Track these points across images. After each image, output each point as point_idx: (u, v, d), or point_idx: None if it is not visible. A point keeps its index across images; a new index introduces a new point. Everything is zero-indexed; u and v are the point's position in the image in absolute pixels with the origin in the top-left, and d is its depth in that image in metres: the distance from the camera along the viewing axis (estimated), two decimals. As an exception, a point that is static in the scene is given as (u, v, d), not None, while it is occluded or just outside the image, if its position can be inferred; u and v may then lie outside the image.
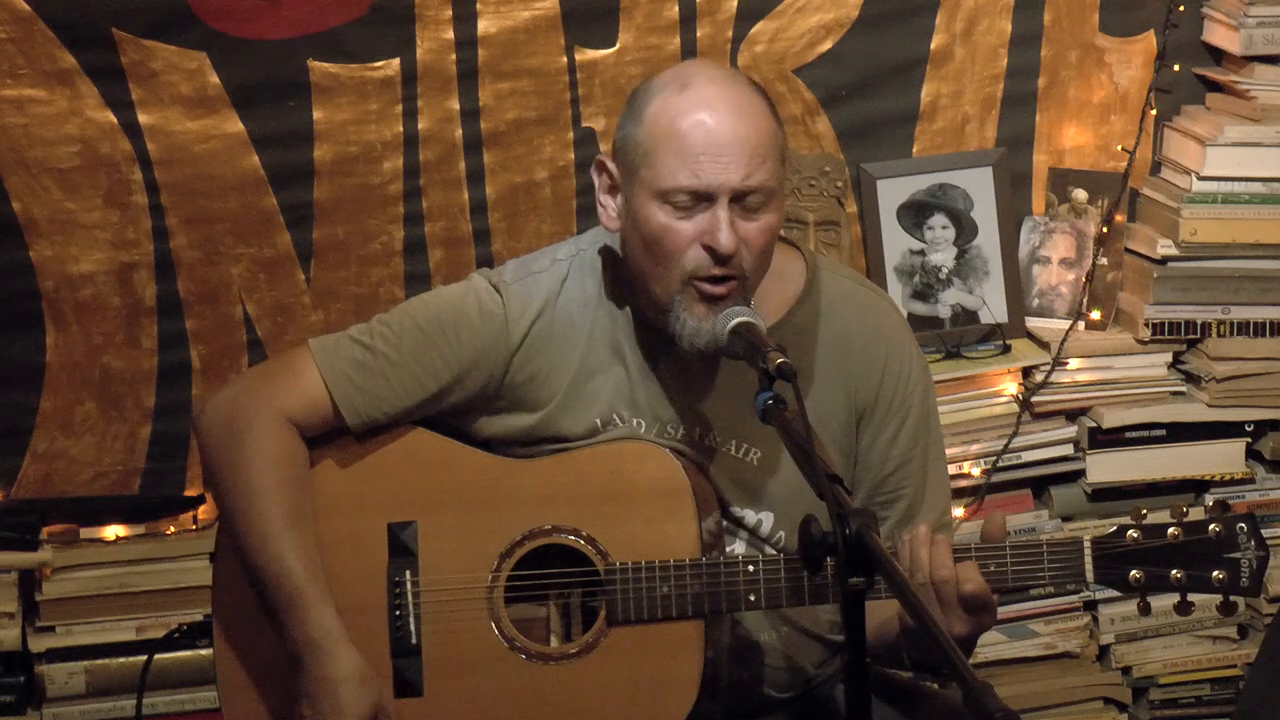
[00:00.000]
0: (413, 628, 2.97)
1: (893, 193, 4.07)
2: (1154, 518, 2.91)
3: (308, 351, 3.03)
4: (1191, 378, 4.17)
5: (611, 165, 2.97)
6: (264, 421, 2.99)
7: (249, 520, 2.96)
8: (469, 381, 3.03)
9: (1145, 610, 2.91)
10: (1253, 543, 2.88)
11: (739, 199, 2.88)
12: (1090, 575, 2.87)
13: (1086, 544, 2.89)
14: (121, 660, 3.80)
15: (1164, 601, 2.94)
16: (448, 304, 3.05)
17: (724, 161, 2.87)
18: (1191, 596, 2.90)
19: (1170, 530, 2.88)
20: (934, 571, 2.82)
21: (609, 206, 2.99)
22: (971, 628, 2.84)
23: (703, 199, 2.88)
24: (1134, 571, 2.88)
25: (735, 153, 2.87)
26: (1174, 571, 2.88)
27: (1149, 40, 4.14)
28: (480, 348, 3.03)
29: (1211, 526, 2.88)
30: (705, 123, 2.88)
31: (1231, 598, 2.89)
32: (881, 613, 2.92)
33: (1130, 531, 2.89)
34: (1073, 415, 4.13)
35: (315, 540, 2.97)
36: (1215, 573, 2.87)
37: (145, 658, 3.58)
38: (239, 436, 2.99)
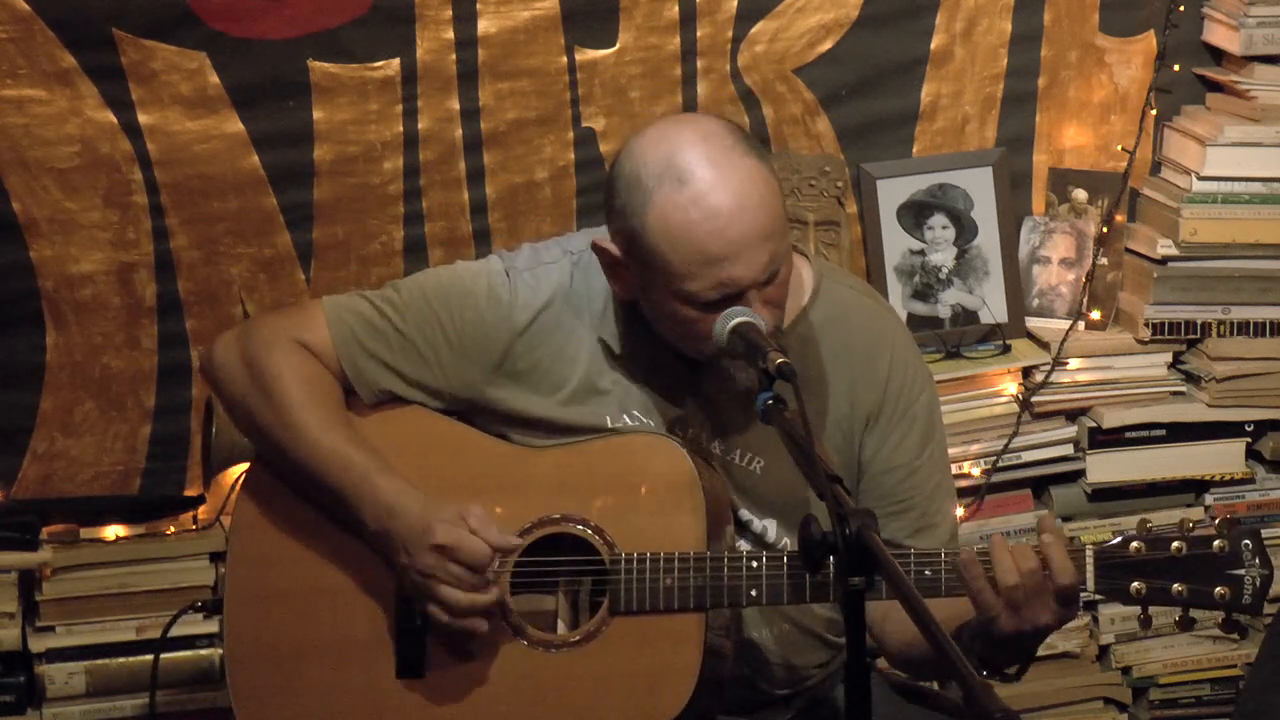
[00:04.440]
0: (418, 610, 2.98)
1: (893, 193, 4.07)
2: (1159, 530, 2.89)
3: (319, 302, 3.08)
4: (1191, 378, 4.17)
5: (613, 248, 2.93)
6: (282, 346, 3.03)
7: (294, 434, 2.99)
8: (467, 359, 3.03)
9: (1146, 623, 2.89)
10: (1257, 560, 2.86)
11: (764, 281, 2.87)
12: (1091, 584, 2.86)
13: (1089, 553, 2.87)
14: (121, 660, 3.80)
15: (1164, 606, 2.92)
16: (459, 280, 3.07)
17: (746, 258, 2.83)
18: (1194, 612, 2.88)
19: (1174, 544, 2.86)
20: (1021, 565, 2.79)
21: (617, 280, 2.97)
22: (1058, 619, 2.83)
23: (731, 297, 2.86)
24: (1135, 583, 2.86)
25: (756, 247, 2.83)
26: (1176, 585, 2.86)
27: (1149, 40, 4.14)
28: (481, 328, 3.03)
29: (1216, 542, 2.85)
30: (719, 228, 2.81)
31: (1234, 615, 2.87)
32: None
33: (1134, 543, 2.87)
34: (1073, 415, 4.13)
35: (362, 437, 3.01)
36: (1218, 589, 2.85)
37: (146, 657, 3.58)
38: (260, 363, 3.02)
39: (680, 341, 2.95)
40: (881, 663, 3.15)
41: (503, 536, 2.94)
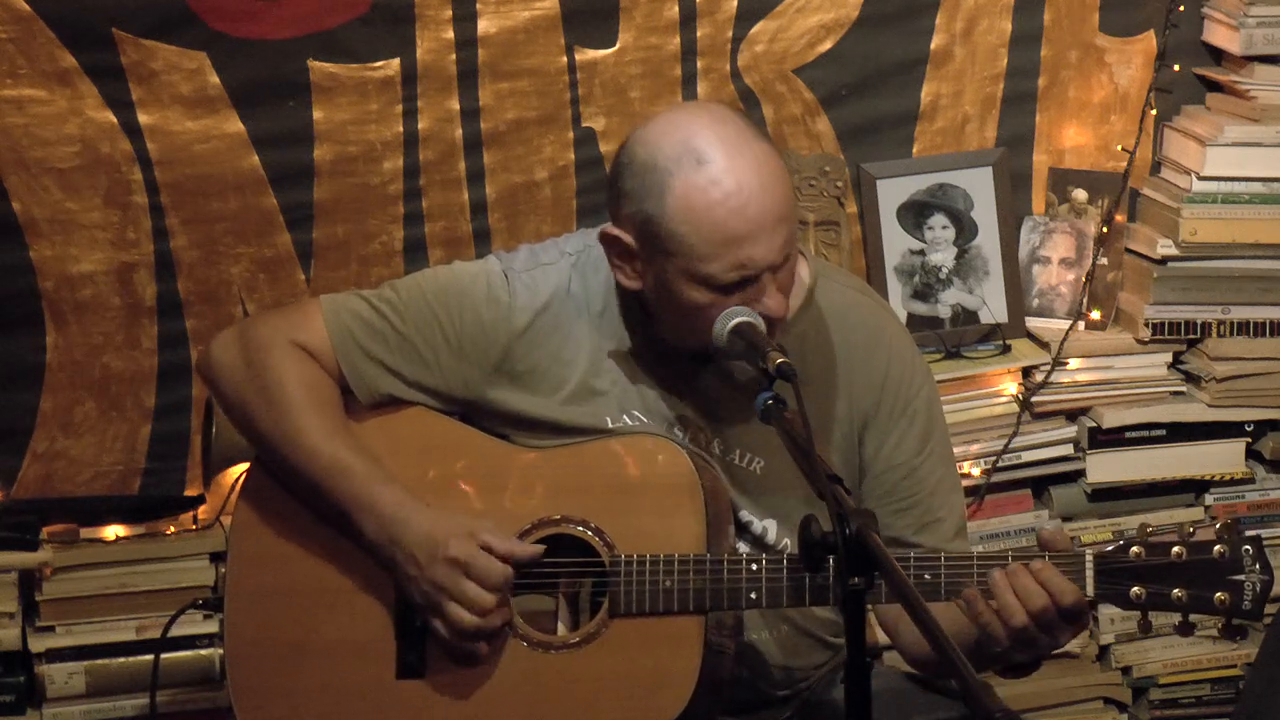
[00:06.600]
0: (422, 621, 2.98)
1: (893, 193, 4.07)
2: (1159, 535, 2.88)
3: (317, 302, 3.07)
4: (1191, 378, 4.17)
5: (626, 237, 2.92)
6: (282, 347, 3.03)
7: (294, 439, 2.98)
8: (465, 360, 3.03)
9: (1146, 628, 2.88)
10: (1258, 565, 2.84)
11: (779, 264, 2.88)
12: (1091, 589, 2.85)
13: (1089, 557, 2.86)
14: (121, 660, 3.81)
15: (1164, 611, 2.91)
16: (457, 281, 3.06)
17: (764, 240, 2.84)
18: (1193, 617, 2.87)
19: (1174, 549, 2.85)
20: (1029, 605, 2.79)
21: (624, 269, 2.96)
22: (1069, 636, 2.85)
23: (748, 280, 2.87)
24: (1135, 588, 2.85)
25: (773, 227, 2.84)
26: (1176, 591, 2.84)
27: (1149, 40, 4.14)
28: (480, 329, 3.03)
29: (1216, 547, 2.84)
30: (739, 206, 2.82)
31: (1234, 621, 2.86)
32: (953, 624, 2.86)
33: (1134, 548, 2.86)
34: (1073, 415, 4.13)
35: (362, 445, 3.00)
36: (1218, 594, 2.84)
37: (146, 657, 3.58)
38: (260, 364, 3.02)
39: (689, 333, 2.94)
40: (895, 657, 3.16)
41: (521, 545, 2.94)
